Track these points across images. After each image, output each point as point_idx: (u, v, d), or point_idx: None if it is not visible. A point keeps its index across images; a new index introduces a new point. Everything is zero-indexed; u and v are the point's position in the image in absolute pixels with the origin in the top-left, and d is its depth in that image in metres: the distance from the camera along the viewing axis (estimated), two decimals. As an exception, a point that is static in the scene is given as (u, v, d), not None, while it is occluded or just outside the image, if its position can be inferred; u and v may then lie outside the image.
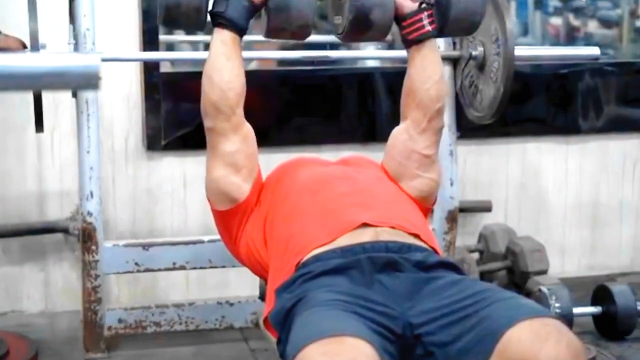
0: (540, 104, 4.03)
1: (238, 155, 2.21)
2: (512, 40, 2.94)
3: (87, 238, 3.05)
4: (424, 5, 2.28)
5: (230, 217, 2.27)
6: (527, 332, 1.74)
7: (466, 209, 3.78)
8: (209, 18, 2.21)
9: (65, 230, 3.44)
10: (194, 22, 2.18)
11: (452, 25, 2.29)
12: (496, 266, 3.71)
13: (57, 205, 3.53)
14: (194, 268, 3.20)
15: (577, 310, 3.25)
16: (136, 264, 3.14)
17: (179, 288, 3.66)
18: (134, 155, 3.55)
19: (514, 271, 3.69)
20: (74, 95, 3.01)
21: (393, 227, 2.11)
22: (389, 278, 1.98)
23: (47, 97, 3.25)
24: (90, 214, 3.05)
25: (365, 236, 2.07)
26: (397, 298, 1.94)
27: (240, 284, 3.58)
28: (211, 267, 3.19)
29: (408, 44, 2.32)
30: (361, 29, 2.23)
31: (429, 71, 2.29)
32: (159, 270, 3.19)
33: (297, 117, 3.75)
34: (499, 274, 3.75)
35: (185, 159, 3.57)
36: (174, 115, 3.53)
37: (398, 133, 2.35)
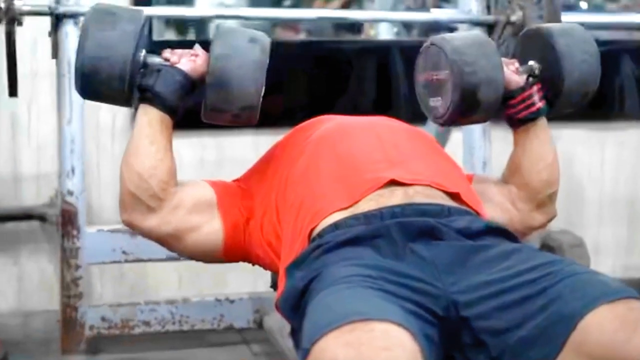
0: None
1: (182, 224, 1.92)
2: (558, 2, 2.71)
3: (67, 221, 2.77)
4: (531, 79, 1.99)
5: (232, 250, 2.00)
6: (610, 319, 1.45)
7: None
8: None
9: (42, 218, 3.21)
10: (117, 95, 1.85)
11: (565, 98, 2.01)
12: None
13: (34, 189, 3.33)
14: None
15: None
16: (124, 252, 2.87)
17: (170, 286, 3.44)
18: (121, 133, 3.36)
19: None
20: (55, 55, 2.68)
21: (428, 185, 1.81)
22: (425, 248, 1.67)
23: (22, 64, 3.00)
24: (70, 193, 2.79)
25: (395, 198, 1.77)
26: (436, 271, 1.63)
27: (239, 283, 3.35)
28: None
29: (516, 124, 2.02)
30: (467, 110, 1.93)
31: (540, 152, 2.02)
32: (150, 260, 2.93)
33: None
34: None
35: (179, 140, 3.22)
36: None
37: (502, 185, 2.08)
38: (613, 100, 3.86)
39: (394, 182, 1.79)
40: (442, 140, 2.96)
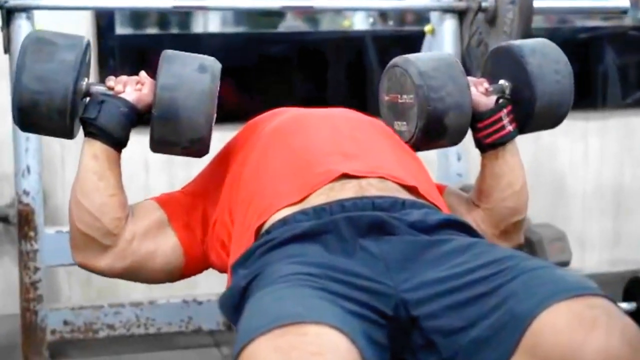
0: None
1: (138, 255, 1.83)
2: None
3: (23, 222, 2.67)
4: (502, 101, 1.91)
5: (194, 262, 1.93)
6: (565, 317, 1.34)
7: None
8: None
9: (4, 219, 3.15)
10: (58, 128, 1.74)
11: (537, 121, 1.96)
12: None
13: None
14: (154, 259, 2.77)
15: None
16: None
17: (140, 288, 3.21)
18: (86, 131, 3.23)
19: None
20: (7, 50, 2.61)
21: (382, 178, 1.72)
22: (376, 244, 1.58)
23: None
24: (26, 193, 2.70)
25: (346, 191, 1.68)
26: (386, 268, 1.54)
27: (211, 285, 3.18)
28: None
29: (485, 148, 1.94)
30: (434, 136, 1.88)
31: (508, 178, 1.95)
32: None
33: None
34: None
35: (147, 138, 3.19)
36: None
37: (468, 204, 2.01)
38: (595, 89, 3.81)
39: (346, 176, 1.70)
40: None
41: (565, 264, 3.29)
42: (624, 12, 2.88)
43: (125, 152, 3.08)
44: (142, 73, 1.83)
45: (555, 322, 1.33)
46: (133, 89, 1.78)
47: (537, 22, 3.81)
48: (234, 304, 1.58)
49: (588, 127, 3.82)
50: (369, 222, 1.60)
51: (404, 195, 1.71)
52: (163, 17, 3.52)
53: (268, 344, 1.27)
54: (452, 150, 2.87)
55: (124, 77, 1.81)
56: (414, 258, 1.56)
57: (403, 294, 1.49)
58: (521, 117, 1.93)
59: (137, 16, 3.40)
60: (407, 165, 1.83)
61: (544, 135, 3.64)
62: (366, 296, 1.47)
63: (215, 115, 1.78)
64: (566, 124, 3.59)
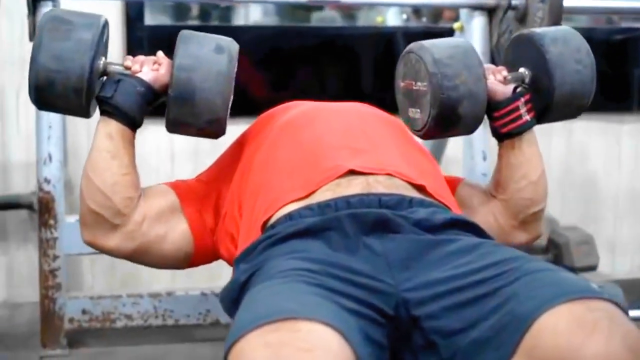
0: None
1: (148, 237, 1.82)
2: None
3: (44, 210, 2.64)
4: (520, 89, 1.85)
5: (204, 252, 1.91)
6: (565, 320, 1.30)
7: None
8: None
9: (30, 207, 3.07)
10: (74, 107, 1.73)
11: (555, 112, 1.87)
12: None
13: (23, 178, 3.19)
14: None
15: (633, 313, 2.80)
16: None
17: (164, 278, 3.27)
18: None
19: (558, 266, 3.24)
20: (32, 38, 2.57)
21: (390, 175, 1.68)
22: (380, 241, 1.54)
23: (10, 52, 2.91)
24: (47, 181, 2.65)
25: (353, 187, 1.65)
26: (389, 267, 1.50)
27: None
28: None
29: (501, 137, 1.88)
30: (447, 125, 1.81)
31: (525, 169, 1.88)
32: None
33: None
34: None
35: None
36: None
37: (486, 195, 1.96)
38: (631, 91, 3.69)
39: (354, 172, 1.67)
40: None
41: (592, 267, 3.26)
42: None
43: (152, 142, 3.12)
44: (160, 53, 1.81)
45: (556, 325, 1.30)
46: (150, 68, 1.76)
47: (582, 22, 3.75)
48: (233, 298, 1.57)
49: (622, 130, 3.72)
50: (373, 219, 1.57)
51: (412, 193, 1.68)
52: (203, 9, 3.51)
53: (258, 340, 1.25)
54: (477, 150, 2.79)
55: (141, 57, 1.80)
56: (417, 257, 1.52)
57: (404, 293, 1.46)
58: (540, 106, 1.87)
59: (178, 8, 3.40)
60: (417, 163, 1.80)
61: (577, 136, 3.62)
62: (365, 294, 1.44)
63: (232, 96, 1.75)
64: (600, 126, 3.63)
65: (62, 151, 2.66)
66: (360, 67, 3.48)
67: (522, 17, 2.68)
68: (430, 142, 3.01)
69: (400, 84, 1.89)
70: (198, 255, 1.88)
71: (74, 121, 2.90)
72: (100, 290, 3.24)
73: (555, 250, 3.33)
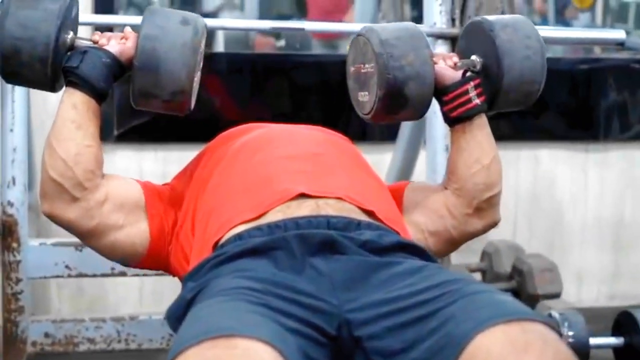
0: (556, 105, 3.71)
1: (106, 220, 1.82)
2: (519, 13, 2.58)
3: (7, 233, 2.64)
4: (469, 74, 1.87)
5: (155, 257, 1.90)
6: (499, 341, 1.34)
7: None
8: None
9: None
10: (39, 78, 1.76)
11: (505, 96, 1.89)
12: (499, 287, 3.34)
13: None
14: (136, 275, 2.78)
15: (594, 340, 2.83)
16: (67, 267, 2.72)
17: (131, 302, 3.34)
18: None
19: (521, 294, 3.36)
20: None
21: (340, 199, 1.71)
22: (325, 262, 1.57)
23: None
24: (11, 204, 2.64)
25: (303, 209, 1.68)
26: (333, 287, 1.53)
27: None
28: (157, 275, 2.73)
29: (451, 122, 1.89)
30: (394, 107, 1.83)
31: (476, 153, 1.89)
32: (94, 276, 2.77)
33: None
34: None
35: (143, 153, 3.32)
36: (129, 102, 3.16)
37: (437, 191, 1.96)
38: (596, 120, 3.77)
39: (304, 195, 1.70)
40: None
41: (555, 295, 3.28)
42: (620, 44, 2.81)
43: (120, 166, 3.15)
44: (127, 28, 1.84)
45: (490, 346, 1.33)
46: (117, 42, 1.79)
47: (558, 52, 3.81)
48: (178, 315, 1.58)
49: (588, 159, 3.78)
50: (320, 240, 1.59)
51: (361, 216, 1.70)
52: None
53: (196, 356, 1.28)
54: (440, 175, 2.83)
55: (108, 33, 1.83)
56: (361, 278, 1.55)
57: (347, 313, 1.48)
58: (490, 92, 1.88)
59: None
60: (368, 188, 1.82)
61: (543, 164, 3.66)
62: (308, 313, 1.47)
63: (199, 71, 1.78)
64: (566, 154, 3.67)
65: (26, 174, 2.68)
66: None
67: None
68: (399, 160, 3.05)
69: (351, 69, 1.92)
70: (149, 258, 1.89)
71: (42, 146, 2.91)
72: (66, 314, 3.26)
73: (519, 278, 3.36)
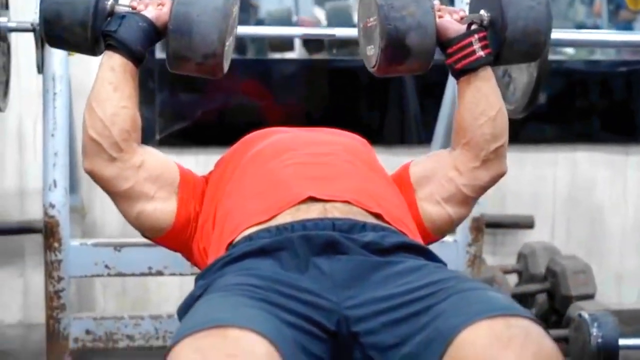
0: (595, 107, 3.68)
1: (139, 187, 1.88)
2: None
3: (49, 234, 2.75)
4: (474, 27, 1.89)
5: (174, 238, 1.96)
6: (484, 335, 1.37)
7: (505, 224, 3.47)
8: None
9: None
10: (80, 42, 1.85)
11: (510, 48, 1.89)
12: (533, 288, 3.35)
13: (39, 203, 3.18)
14: (173, 274, 2.87)
15: (624, 342, 2.77)
16: (106, 266, 2.83)
17: (173, 301, 3.37)
18: (125, 149, 3.32)
19: (554, 295, 3.33)
20: (40, 70, 2.72)
21: (347, 202, 1.75)
22: (328, 262, 1.61)
23: (29, 82, 3.04)
24: (52, 206, 2.76)
25: (312, 212, 1.72)
26: (334, 285, 1.57)
27: None
28: (193, 274, 2.81)
29: (457, 74, 1.92)
30: (397, 58, 1.85)
31: (482, 106, 1.90)
32: (133, 275, 2.90)
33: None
34: (539, 299, 3.38)
35: (183, 157, 3.28)
36: (171, 107, 3.32)
37: (443, 154, 1.99)
38: (636, 122, 3.72)
39: (313, 199, 1.75)
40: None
41: (589, 296, 3.25)
42: (649, 45, 2.82)
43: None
44: None
45: (475, 339, 1.36)
46: (154, 8, 1.87)
47: (611, 54, 3.77)
48: (186, 311, 1.61)
49: (628, 161, 3.72)
50: (323, 241, 1.64)
51: (367, 219, 1.74)
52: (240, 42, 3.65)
53: (190, 345, 1.33)
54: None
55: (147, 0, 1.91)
56: (361, 277, 1.59)
57: (346, 310, 1.53)
58: (495, 44, 1.89)
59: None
60: (377, 192, 1.85)
61: (582, 167, 3.62)
62: (308, 309, 1.51)
63: (232, 36, 1.86)
64: (605, 157, 3.61)
65: (67, 178, 2.78)
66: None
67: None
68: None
69: (360, 25, 1.96)
70: (166, 238, 1.95)
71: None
72: (111, 312, 3.35)
73: (553, 279, 3.34)
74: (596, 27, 3.75)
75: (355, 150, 2.00)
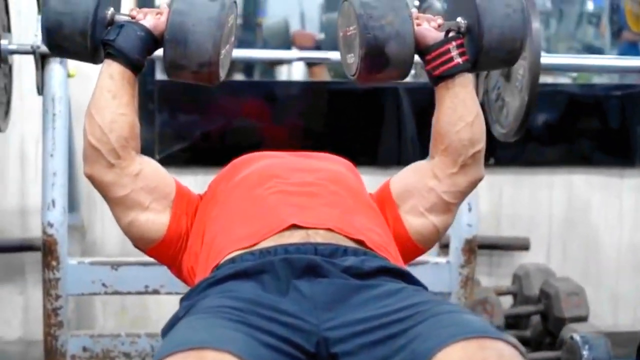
0: (590, 130, 3.69)
1: (135, 195, 1.92)
2: (539, 40, 2.56)
3: (47, 252, 2.78)
4: (452, 34, 1.93)
5: (163, 252, 1.99)
6: (458, 357, 1.40)
7: (500, 246, 3.50)
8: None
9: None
10: (81, 51, 1.89)
11: (487, 55, 1.93)
12: (527, 310, 3.37)
13: (39, 222, 3.23)
14: (169, 293, 2.89)
15: None
16: (104, 284, 2.85)
17: None
18: (124, 169, 3.35)
19: (548, 317, 3.34)
20: (40, 92, 2.77)
21: (329, 230, 1.78)
22: (309, 284, 1.65)
23: (32, 101, 3.08)
24: (50, 225, 2.78)
25: (294, 238, 1.76)
26: (314, 308, 1.61)
27: None
28: (189, 293, 2.85)
29: (435, 81, 1.96)
30: (376, 66, 1.89)
31: (460, 111, 1.93)
32: (129, 293, 2.92)
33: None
34: (533, 320, 3.40)
35: (183, 177, 3.23)
36: (170, 128, 3.35)
37: (421, 165, 2.02)
38: (632, 146, 3.72)
39: (296, 226, 1.78)
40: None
41: (582, 318, 3.26)
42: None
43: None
44: (164, 4, 1.95)
45: None
46: (152, 17, 1.91)
47: (614, 79, 3.80)
48: (169, 332, 1.64)
49: (623, 184, 3.73)
50: (304, 264, 1.67)
51: (349, 244, 1.77)
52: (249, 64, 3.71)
53: None
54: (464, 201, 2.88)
55: (146, 8, 1.95)
56: (341, 300, 1.62)
57: (325, 332, 1.56)
58: (472, 51, 1.92)
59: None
60: (359, 219, 1.87)
61: (578, 189, 3.63)
62: (287, 331, 1.54)
63: (228, 45, 1.89)
64: (601, 180, 3.63)
65: (66, 197, 2.80)
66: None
67: (508, 74, 2.71)
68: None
69: (340, 33, 2.00)
70: (155, 251, 1.98)
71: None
72: (110, 330, 3.37)
73: (546, 301, 3.34)
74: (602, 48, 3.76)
75: (341, 178, 2.02)
